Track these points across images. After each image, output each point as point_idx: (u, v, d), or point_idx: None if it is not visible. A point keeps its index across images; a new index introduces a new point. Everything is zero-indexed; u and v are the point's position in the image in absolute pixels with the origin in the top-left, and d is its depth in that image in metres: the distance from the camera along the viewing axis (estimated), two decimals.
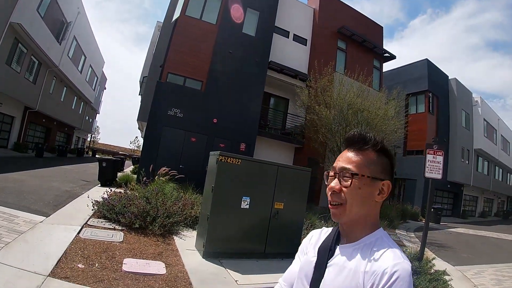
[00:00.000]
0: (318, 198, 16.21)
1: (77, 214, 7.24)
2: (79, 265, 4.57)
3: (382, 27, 22.51)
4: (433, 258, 7.42)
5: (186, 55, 14.94)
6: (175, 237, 7.01)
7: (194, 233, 7.26)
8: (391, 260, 1.02)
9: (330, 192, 1.15)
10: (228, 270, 5.55)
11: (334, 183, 1.15)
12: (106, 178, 12.90)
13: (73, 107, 33.67)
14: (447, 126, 27.62)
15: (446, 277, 6.27)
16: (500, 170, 37.56)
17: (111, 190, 8.60)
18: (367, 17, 22.11)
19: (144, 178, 9.28)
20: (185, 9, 15.30)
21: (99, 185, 12.65)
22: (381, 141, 1.19)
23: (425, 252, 7.58)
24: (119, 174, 15.02)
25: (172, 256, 5.83)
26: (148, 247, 6.03)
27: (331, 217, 1.16)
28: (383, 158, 1.18)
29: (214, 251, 6.08)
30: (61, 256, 4.75)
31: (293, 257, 1.38)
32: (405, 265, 1.01)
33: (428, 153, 7.13)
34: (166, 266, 5.24)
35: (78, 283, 4.11)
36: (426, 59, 27.29)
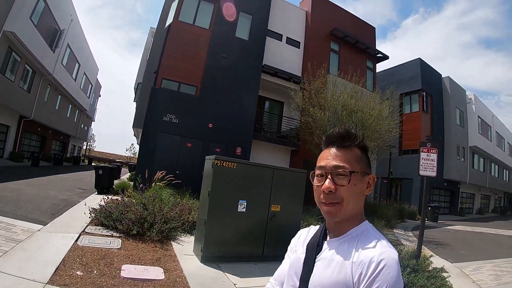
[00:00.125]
0: (314, 199, 16.22)
1: (75, 222, 7.24)
2: (77, 272, 4.58)
3: (374, 28, 22.65)
4: (431, 256, 7.45)
5: (180, 60, 14.97)
6: (173, 243, 7.02)
7: (192, 238, 7.27)
8: (378, 249, 1.05)
9: (325, 192, 1.14)
10: (227, 274, 5.58)
11: (329, 183, 1.14)
12: (103, 185, 12.88)
13: (68, 115, 33.58)
14: (442, 124, 27.75)
15: (444, 274, 6.31)
16: (496, 166, 37.75)
17: (108, 198, 8.58)
18: (359, 18, 22.25)
19: (141, 185, 9.29)
20: (178, 14, 15.34)
21: (96, 193, 12.62)
22: (363, 137, 1.22)
23: (422, 250, 7.62)
24: (115, 181, 15.00)
25: (170, 261, 5.85)
26: (146, 253, 6.04)
27: (326, 215, 1.16)
28: (364, 153, 1.23)
29: (212, 255, 6.10)
30: (60, 263, 4.76)
31: None
32: (391, 253, 1.03)
33: (422, 151, 7.18)
34: (164, 271, 5.26)
35: None
36: (419, 58, 27.43)
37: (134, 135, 29.17)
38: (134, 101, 27.14)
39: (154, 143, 13.81)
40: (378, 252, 1.03)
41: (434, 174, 7.16)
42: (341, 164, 1.15)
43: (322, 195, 1.15)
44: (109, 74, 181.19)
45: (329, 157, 1.19)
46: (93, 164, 34.09)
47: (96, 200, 9.04)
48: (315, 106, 14.09)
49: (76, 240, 5.98)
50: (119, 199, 8.46)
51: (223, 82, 15.45)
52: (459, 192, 30.62)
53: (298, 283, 1.18)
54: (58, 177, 17.48)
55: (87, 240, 6.14)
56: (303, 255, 1.22)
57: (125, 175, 24.73)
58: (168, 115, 14.15)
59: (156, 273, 5.13)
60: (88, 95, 37.84)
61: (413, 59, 28.37)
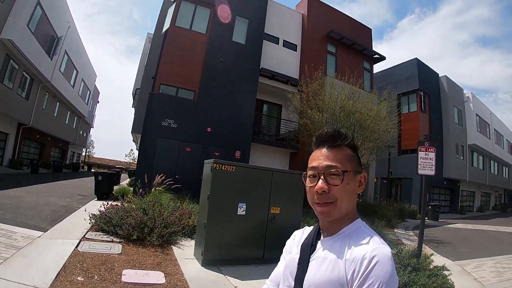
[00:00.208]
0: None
1: (75, 228, 7.25)
2: (78, 278, 4.59)
3: (370, 29, 22.72)
4: (432, 254, 7.46)
5: (178, 65, 15.01)
6: (173, 247, 7.02)
7: (193, 242, 7.27)
8: (370, 246, 1.05)
9: (319, 193, 1.14)
10: (228, 277, 5.58)
11: (322, 183, 1.13)
12: (103, 191, 12.88)
13: (66, 122, 33.61)
14: (440, 123, 27.82)
15: (446, 272, 6.31)
16: (496, 164, 37.82)
17: (107, 203, 8.58)
18: (356, 20, 22.32)
19: (140, 190, 9.29)
20: (175, 19, 15.39)
21: (96, 199, 12.62)
22: (353, 136, 1.24)
23: (423, 249, 7.63)
24: (115, 187, 15.01)
25: (171, 265, 5.85)
26: (147, 257, 6.05)
27: (320, 216, 1.17)
28: (355, 152, 1.23)
29: (212, 259, 6.10)
30: (60, 269, 4.77)
31: None
32: (384, 250, 1.03)
33: (420, 150, 7.20)
34: (165, 275, 5.26)
35: None
36: (416, 58, 27.55)
37: (133, 140, 29.19)
38: (132, 106, 27.17)
39: (153, 148, 13.82)
40: (371, 249, 1.03)
41: (433, 173, 7.18)
42: (333, 164, 1.15)
43: (315, 196, 1.15)
44: (107, 80, 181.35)
45: (320, 157, 1.19)
46: (92, 170, 34.17)
47: (96, 206, 9.04)
48: (313, 108, 14.11)
49: (77, 246, 5.99)
50: (119, 204, 8.45)
51: (221, 86, 15.48)
52: (459, 191, 30.66)
53: (293, 283, 1.18)
54: (58, 184, 17.48)
55: (88, 246, 6.15)
56: (298, 256, 1.23)
57: (124, 181, 24.73)
58: (167, 120, 14.17)
59: (157, 277, 5.14)
60: (86, 102, 37.87)
61: (409, 59, 28.49)
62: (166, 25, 15.81)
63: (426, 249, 9.31)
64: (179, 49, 15.17)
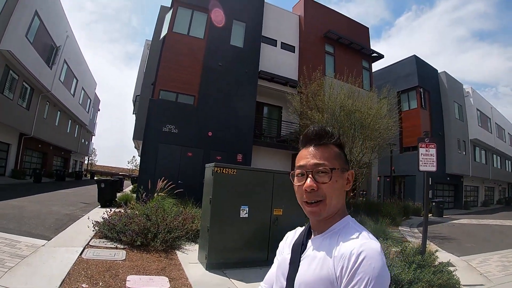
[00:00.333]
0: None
1: (79, 236, 7.27)
2: (83, 285, 4.60)
3: (367, 28, 22.77)
4: (436, 251, 7.41)
5: (177, 71, 15.06)
6: (177, 252, 7.03)
7: (196, 246, 7.27)
8: (358, 241, 1.04)
9: (307, 191, 1.14)
10: (232, 280, 5.58)
11: (311, 181, 1.13)
12: (106, 199, 12.91)
13: (68, 131, 33.69)
14: (441, 119, 27.78)
15: (451, 268, 6.29)
16: (498, 158, 37.74)
17: (111, 210, 8.61)
18: (353, 20, 22.38)
19: (144, 194, 9.32)
20: (172, 25, 15.46)
21: (99, 206, 12.65)
22: (339, 134, 1.24)
23: (428, 246, 7.61)
24: (118, 194, 15.03)
25: (175, 270, 5.86)
26: (151, 263, 6.06)
27: (310, 215, 1.17)
28: (341, 149, 1.24)
29: (217, 262, 6.10)
30: (65, 277, 4.78)
31: None
32: (372, 244, 1.02)
33: (421, 147, 7.18)
34: (169, 280, 5.26)
35: None
36: (414, 55, 27.56)
37: (135, 147, 29.25)
38: (133, 113, 27.23)
39: (155, 154, 13.86)
40: (358, 244, 1.02)
41: (434, 169, 7.16)
42: (321, 162, 1.15)
43: (304, 195, 1.15)
44: (107, 87, 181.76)
45: (308, 156, 1.19)
46: (95, 178, 34.18)
47: (99, 213, 9.06)
48: (313, 109, 14.12)
49: (81, 254, 6.01)
50: (122, 211, 8.47)
51: (220, 90, 15.53)
52: (463, 186, 30.58)
53: (285, 284, 1.18)
54: (61, 193, 17.52)
55: (92, 253, 6.17)
56: (289, 256, 1.24)
57: (127, 188, 24.77)
58: (168, 126, 14.21)
59: (161, 282, 5.14)
60: (87, 110, 37.95)
61: (408, 56, 28.48)
62: (164, 31, 15.88)
63: (431, 246, 9.28)
64: (178, 54, 15.23)
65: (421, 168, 7.19)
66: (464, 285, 6.10)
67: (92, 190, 17.95)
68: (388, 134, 14.26)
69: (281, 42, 18.82)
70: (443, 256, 8.03)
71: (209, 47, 15.86)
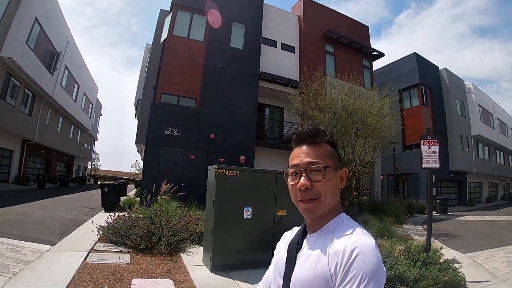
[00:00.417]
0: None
1: (83, 240, 7.28)
2: None
3: (367, 27, 22.78)
4: (441, 248, 7.41)
5: (178, 74, 15.10)
6: (182, 254, 7.03)
7: (201, 249, 7.26)
8: (351, 237, 1.05)
9: (302, 190, 1.14)
10: (237, 282, 5.57)
11: (304, 180, 1.14)
12: (110, 203, 12.91)
13: (70, 136, 33.79)
14: (443, 116, 27.72)
15: (456, 265, 6.27)
16: (501, 153, 37.63)
17: (115, 214, 8.62)
18: (352, 19, 22.39)
19: (148, 197, 9.33)
20: (172, 29, 15.50)
21: (103, 210, 12.66)
22: (332, 133, 1.25)
23: (433, 243, 7.59)
24: (122, 198, 15.04)
25: (180, 273, 5.86)
26: (156, 266, 6.06)
27: (304, 213, 1.17)
28: (335, 148, 1.25)
29: (221, 264, 6.10)
30: (70, 281, 4.79)
31: None
32: (366, 240, 1.02)
33: (423, 144, 7.17)
34: (174, 283, 5.27)
35: None
36: (415, 52, 27.56)
37: (138, 151, 29.26)
38: (135, 117, 27.27)
39: (158, 158, 13.89)
40: (352, 241, 1.02)
41: (437, 166, 7.15)
42: (314, 160, 1.16)
43: (298, 193, 1.16)
44: (109, 92, 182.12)
45: (301, 154, 1.20)
46: (98, 182, 34.24)
47: (103, 217, 9.07)
48: (315, 109, 14.09)
49: (85, 258, 6.02)
50: (126, 215, 8.50)
51: (221, 92, 15.54)
52: (467, 182, 30.49)
53: (282, 283, 1.19)
54: (65, 198, 17.55)
55: (96, 257, 6.18)
56: (285, 255, 1.24)
57: (131, 192, 24.82)
58: (170, 129, 14.24)
59: (166, 285, 5.15)
60: (89, 115, 38.08)
61: (409, 54, 28.46)
62: (164, 35, 15.92)
63: (436, 243, 9.25)
64: (178, 58, 15.27)
65: (424, 166, 7.17)
66: (469, 282, 6.08)
67: (95, 195, 18.00)
68: (391, 132, 14.21)
69: (281, 43, 18.84)
70: (448, 253, 8.01)
71: (210, 50, 15.90)
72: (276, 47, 18.62)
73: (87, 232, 7.98)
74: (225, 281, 5.62)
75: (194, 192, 12.06)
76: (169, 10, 16.82)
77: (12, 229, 7.80)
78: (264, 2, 18.21)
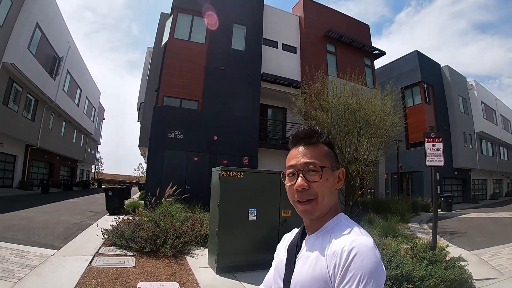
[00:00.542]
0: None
1: (88, 244, 7.29)
2: None
3: (368, 25, 22.76)
4: (447, 246, 7.39)
5: (179, 77, 15.12)
6: (187, 257, 7.02)
7: (206, 251, 7.26)
8: (349, 237, 1.05)
9: (299, 190, 1.15)
10: (243, 283, 5.57)
11: (301, 180, 1.14)
12: (114, 206, 12.92)
13: (74, 141, 33.85)
14: (446, 113, 27.65)
15: (462, 263, 6.24)
16: (505, 149, 37.48)
17: (119, 218, 8.63)
18: (352, 18, 22.40)
19: (152, 200, 9.33)
20: (173, 32, 15.53)
21: (108, 214, 12.67)
22: (328, 133, 1.24)
23: (439, 241, 7.56)
24: (126, 201, 15.04)
25: (185, 275, 5.85)
26: (161, 269, 6.05)
27: (302, 214, 1.17)
28: (331, 148, 1.25)
29: (227, 266, 6.09)
30: (75, 286, 4.80)
31: None
32: (363, 240, 1.02)
33: (427, 142, 7.14)
34: (180, 285, 5.26)
35: None
36: (416, 50, 27.50)
37: (141, 154, 29.29)
38: (138, 120, 27.30)
39: (161, 160, 13.90)
40: (350, 241, 1.02)
41: (441, 163, 7.12)
42: (311, 161, 1.16)
43: (296, 194, 1.16)
44: (112, 96, 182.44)
45: (298, 155, 1.20)
46: (102, 186, 34.31)
47: (108, 221, 9.08)
48: (317, 108, 14.06)
49: (91, 262, 6.02)
50: (131, 218, 8.49)
51: (224, 94, 15.55)
52: (471, 180, 30.35)
53: (282, 285, 1.19)
54: (69, 202, 17.59)
55: (101, 261, 6.18)
56: (285, 257, 1.25)
57: (135, 195, 24.83)
58: (173, 132, 14.25)
59: (172, 287, 5.14)
60: (92, 119, 38.15)
61: (410, 52, 28.41)
62: (165, 38, 15.94)
63: (442, 241, 9.22)
64: (180, 60, 15.29)
65: (429, 163, 7.15)
66: (476, 280, 6.05)
67: (100, 199, 18.01)
68: (394, 130, 14.18)
69: (282, 44, 18.83)
70: (454, 251, 7.98)
71: (211, 52, 15.91)
72: (277, 47, 18.62)
73: (92, 236, 7.99)
74: (231, 283, 5.61)
75: (198, 194, 12.06)
76: (169, 13, 16.85)
77: (16, 234, 7.82)
78: (264, 3, 18.21)
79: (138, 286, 5.02)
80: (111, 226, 7.78)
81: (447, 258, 6.39)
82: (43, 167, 29.09)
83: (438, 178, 11.48)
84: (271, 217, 6.62)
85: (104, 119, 49.60)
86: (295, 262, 1.17)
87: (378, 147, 13.80)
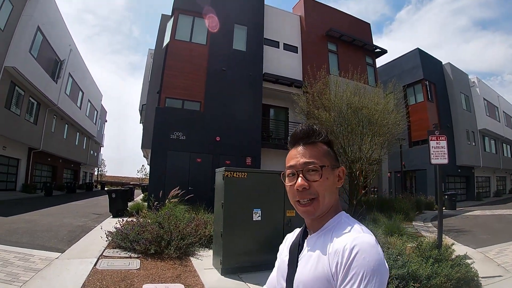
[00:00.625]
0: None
1: (92, 247, 7.28)
2: None
3: (369, 24, 22.72)
4: (452, 244, 7.35)
5: (181, 78, 15.12)
6: (191, 258, 7.01)
7: (210, 252, 7.24)
8: (351, 235, 1.04)
9: (299, 190, 1.14)
10: (249, 284, 5.54)
11: (302, 180, 1.14)
12: (117, 208, 12.92)
13: (76, 143, 33.94)
14: (448, 111, 27.57)
15: (468, 261, 6.21)
16: (508, 146, 37.36)
17: (123, 220, 8.62)
18: (353, 16, 22.37)
19: (155, 204, 9.32)
20: (174, 33, 15.53)
21: (111, 216, 12.67)
22: (327, 132, 1.23)
23: (444, 239, 7.52)
24: (129, 203, 15.06)
25: (190, 277, 5.83)
26: (166, 271, 6.04)
27: (304, 215, 1.17)
28: (330, 147, 1.24)
29: (232, 267, 6.07)
30: None
31: None
32: (365, 238, 1.02)
33: (431, 140, 7.11)
34: (185, 287, 5.24)
35: None
36: (417, 48, 27.43)
37: (144, 156, 29.30)
38: (140, 122, 27.34)
39: (164, 162, 13.90)
40: (351, 239, 1.02)
41: (446, 161, 7.09)
42: (310, 160, 1.16)
43: (296, 194, 1.16)
44: (114, 98, 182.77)
45: (297, 155, 1.20)
46: (106, 188, 34.33)
47: (111, 223, 9.07)
48: (320, 108, 14.02)
49: (95, 265, 6.01)
50: (135, 220, 8.49)
51: (226, 95, 15.53)
52: (474, 177, 30.30)
53: (285, 285, 1.19)
54: (72, 205, 17.61)
55: (106, 263, 6.17)
56: (287, 257, 1.25)
57: (138, 197, 24.86)
58: (175, 133, 14.25)
59: None
60: (94, 122, 38.25)
61: (411, 50, 28.34)
62: (166, 39, 15.95)
63: (447, 239, 9.18)
64: (181, 61, 15.29)
65: (433, 161, 7.11)
66: (482, 277, 6.02)
67: (103, 201, 18.03)
68: (397, 129, 14.13)
69: (284, 43, 18.82)
70: (459, 249, 7.93)
71: (212, 53, 15.91)
72: (278, 47, 18.60)
73: (96, 239, 7.98)
74: (236, 284, 5.59)
75: (201, 195, 12.04)
76: (170, 14, 16.85)
77: (20, 238, 7.83)
78: (264, 3, 18.20)
79: None
80: (115, 228, 7.77)
81: (453, 256, 6.36)
82: (46, 170, 29.17)
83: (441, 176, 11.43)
84: (275, 217, 6.60)
85: (106, 121, 49.72)
86: (297, 262, 1.17)
87: (381, 145, 13.76)
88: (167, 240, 7.06)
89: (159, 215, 8.30)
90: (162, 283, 5.37)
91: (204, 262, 6.74)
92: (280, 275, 1.24)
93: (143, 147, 22.00)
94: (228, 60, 16.13)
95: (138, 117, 29.82)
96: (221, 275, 5.96)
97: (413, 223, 14.01)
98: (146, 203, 14.14)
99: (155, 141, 14.18)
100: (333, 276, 1.01)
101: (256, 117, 16.14)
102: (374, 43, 22.18)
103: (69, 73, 26.87)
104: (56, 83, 24.00)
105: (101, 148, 49.34)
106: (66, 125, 30.08)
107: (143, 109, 24.49)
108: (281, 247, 1.41)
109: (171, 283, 5.41)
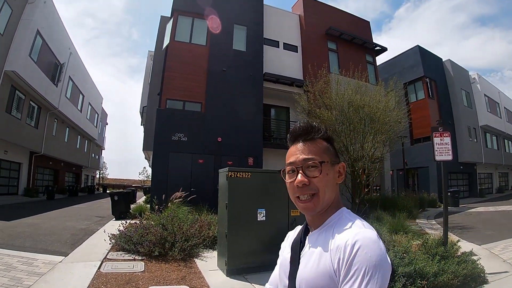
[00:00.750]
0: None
1: (96, 250, 7.26)
2: None
3: (368, 22, 22.73)
4: (458, 241, 7.32)
5: (182, 79, 15.11)
6: (196, 260, 6.98)
7: (215, 253, 7.23)
8: (352, 231, 1.04)
9: (299, 186, 1.14)
10: (254, 285, 5.52)
11: (301, 177, 1.14)
12: (120, 211, 12.91)
13: (77, 147, 33.92)
14: (449, 108, 27.54)
15: (474, 257, 6.19)
16: (510, 142, 37.25)
17: (126, 222, 8.60)
18: (353, 15, 22.37)
19: (157, 206, 9.30)
20: (174, 34, 15.53)
21: (114, 219, 12.65)
22: (326, 128, 1.24)
23: (449, 236, 7.49)
24: (132, 205, 15.05)
25: (195, 278, 5.81)
26: (171, 272, 6.01)
27: (304, 211, 1.17)
28: (330, 143, 1.24)
29: (237, 268, 6.04)
30: None
31: None
32: (367, 233, 1.02)
33: (435, 136, 7.06)
34: None
35: None
36: (417, 45, 27.42)
37: (146, 158, 29.36)
38: (141, 124, 27.35)
39: (166, 164, 13.88)
40: (353, 234, 1.02)
41: (450, 158, 7.04)
42: (310, 157, 1.16)
43: (297, 190, 1.16)
44: (114, 101, 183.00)
45: (297, 152, 1.20)
46: (108, 191, 34.34)
47: (114, 226, 9.05)
48: (321, 107, 13.99)
49: (99, 268, 5.98)
50: (138, 222, 8.46)
51: (226, 95, 15.52)
52: (477, 174, 30.25)
53: (287, 282, 1.19)
54: (75, 208, 17.60)
55: (110, 266, 6.14)
56: (289, 255, 1.25)
57: (141, 199, 24.85)
58: (177, 134, 14.24)
59: None
60: (95, 125, 38.24)
61: (411, 47, 28.32)
62: (166, 41, 15.95)
63: (452, 236, 9.13)
64: (182, 63, 15.28)
65: (437, 158, 7.07)
66: (488, 274, 5.99)
67: (105, 204, 18.01)
68: (399, 126, 14.10)
69: (284, 43, 18.82)
70: (464, 245, 7.89)
71: (212, 53, 15.90)
72: (278, 47, 18.60)
73: (99, 241, 7.96)
74: (242, 285, 5.56)
75: (204, 196, 12.04)
76: (169, 16, 16.84)
77: (23, 242, 7.80)
78: (264, 2, 18.18)
79: None
80: (119, 230, 7.75)
81: (459, 253, 6.34)
82: (48, 173, 29.17)
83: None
84: (280, 217, 6.57)
85: (107, 124, 49.74)
86: (299, 259, 1.17)
87: (384, 143, 13.72)
88: (171, 242, 7.03)
89: (162, 217, 8.29)
90: (167, 285, 5.34)
91: (209, 263, 6.72)
92: (283, 272, 1.24)
93: (145, 149, 22.02)
94: (228, 60, 16.12)
95: (139, 119, 29.84)
96: (227, 276, 5.93)
97: (417, 220, 13.98)
98: (148, 205, 14.12)
99: (157, 143, 14.16)
100: (335, 272, 1.01)
101: (257, 117, 16.12)
102: (374, 41, 22.19)
103: (69, 76, 26.86)
104: (57, 86, 23.98)
105: (102, 151, 49.36)
106: (67, 129, 30.07)
107: (144, 111, 24.50)
108: (283, 244, 1.41)
109: (176, 285, 5.38)
